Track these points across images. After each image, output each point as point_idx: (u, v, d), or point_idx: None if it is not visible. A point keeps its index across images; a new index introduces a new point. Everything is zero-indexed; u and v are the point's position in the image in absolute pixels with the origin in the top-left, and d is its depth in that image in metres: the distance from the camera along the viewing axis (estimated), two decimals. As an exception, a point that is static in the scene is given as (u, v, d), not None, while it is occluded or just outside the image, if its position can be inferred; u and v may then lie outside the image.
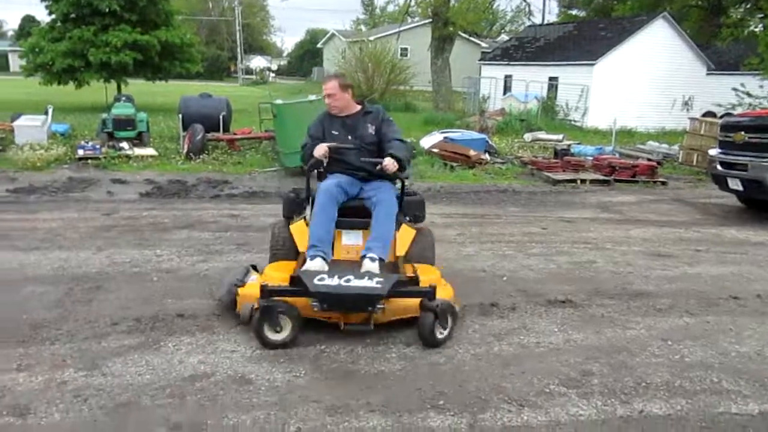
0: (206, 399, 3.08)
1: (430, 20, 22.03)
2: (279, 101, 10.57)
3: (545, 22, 36.64)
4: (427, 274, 3.99)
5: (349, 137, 4.26)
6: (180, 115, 12.30)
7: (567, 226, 7.47)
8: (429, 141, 12.67)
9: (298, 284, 3.62)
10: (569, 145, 13.96)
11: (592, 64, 21.16)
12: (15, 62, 50.27)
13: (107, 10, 17.80)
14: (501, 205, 8.74)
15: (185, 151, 11.26)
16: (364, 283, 3.55)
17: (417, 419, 2.98)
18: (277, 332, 3.63)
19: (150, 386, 3.17)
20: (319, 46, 53.07)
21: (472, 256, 5.89)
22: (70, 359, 3.41)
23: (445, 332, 3.79)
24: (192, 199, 8.35)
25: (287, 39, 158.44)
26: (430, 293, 3.68)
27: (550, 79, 23.00)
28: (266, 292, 3.60)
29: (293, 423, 2.91)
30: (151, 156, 11.18)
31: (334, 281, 3.53)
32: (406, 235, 4.21)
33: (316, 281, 3.53)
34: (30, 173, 9.47)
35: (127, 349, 3.58)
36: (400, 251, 4.16)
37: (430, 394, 3.20)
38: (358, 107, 4.39)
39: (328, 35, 49.89)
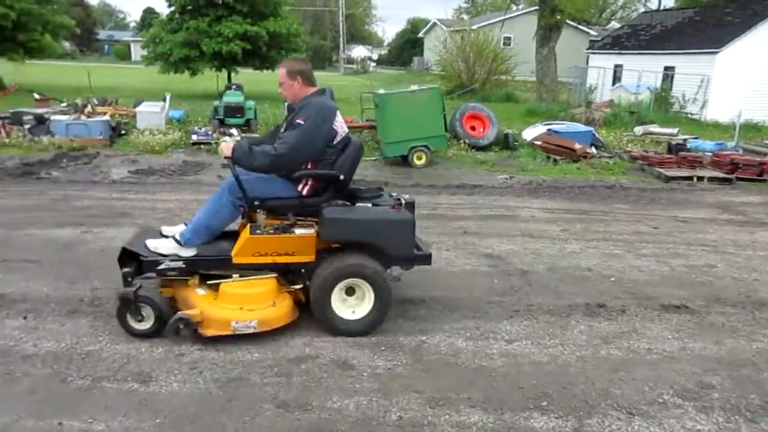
0: (311, 381, 3.17)
1: (536, 8, 21.34)
2: (381, 91, 10.64)
3: (662, 7, 34.46)
4: None
5: (282, 129, 3.90)
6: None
7: (681, 226, 7.01)
8: (531, 133, 12.32)
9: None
10: (685, 140, 13.07)
11: (715, 53, 19.64)
12: (136, 52, 53.95)
13: (221, 1, 18.64)
14: (607, 201, 8.35)
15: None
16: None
17: (519, 418, 2.91)
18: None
19: (259, 364, 3.30)
20: (420, 35, 52.98)
21: (577, 254, 5.67)
22: (189, 336, 3.61)
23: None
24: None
25: (388, 29, 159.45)
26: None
27: (666, 68, 21.60)
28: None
29: (394, 411, 2.93)
30: (260, 142, 11.63)
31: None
32: None
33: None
34: (149, 156, 10.12)
35: (237, 327, 3.74)
36: None
37: (533, 394, 3.12)
38: (307, 95, 3.84)
39: (429, 24, 49.67)
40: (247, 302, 3.55)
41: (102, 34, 68.99)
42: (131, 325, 3.55)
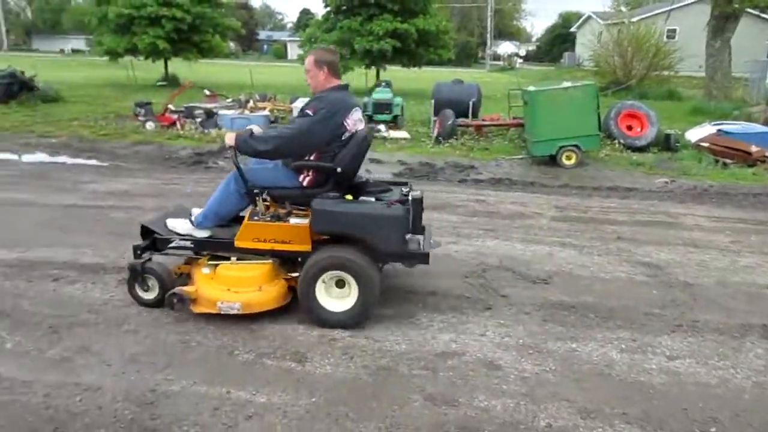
0: (457, 377, 3.17)
1: (709, -4, 19.52)
2: (531, 88, 10.35)
3: None
4: None
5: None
6: (432, 101, 12.80)
7: None
8: (697, 133, 11.31)
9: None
10: None
11: None
12: (292, 51, 57.27)
13: (373, 0, 19.23)
14: (789, 211, 7.45)
15: (435, 135, 11.69)
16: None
17: (683, 442, 2.69)
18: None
19: (406, 355, 3.37)
20: (572, 29, 50.82)
21: (752, 269, 5.11)
22: (338, 319, 3.78)
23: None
24: (440, 182, 8.62)
25: (537, 23, 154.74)
26: None
27: None
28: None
29: (543, 418, 2.84)
30: (404, 138, 11.85)
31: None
32: None
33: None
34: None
35: (386, 318, 3.84)
36: None
37: (699, 417, 2.87)
38: (325, 88, 3.81)
39: (583, 18, 47.48)
40: (234, 284, 3.66)
41: (262, 35, 74.12)
42: (138, 294, 3.86)
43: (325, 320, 3.66)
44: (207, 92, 15.34)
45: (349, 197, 3.74)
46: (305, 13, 59.62)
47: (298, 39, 31.92)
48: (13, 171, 8.39)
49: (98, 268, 4.55)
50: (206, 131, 11.74)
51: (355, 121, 3.82)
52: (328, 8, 20.99)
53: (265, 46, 69.15)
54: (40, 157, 9.60)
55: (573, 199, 7.60)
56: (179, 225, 3.97)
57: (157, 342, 3.42)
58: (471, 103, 12.50)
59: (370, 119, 12.66)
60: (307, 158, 3.74)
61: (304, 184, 3.80)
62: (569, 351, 3.50)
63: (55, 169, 8.66)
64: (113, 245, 5.06)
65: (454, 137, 11.66)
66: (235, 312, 3.61)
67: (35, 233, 5.39)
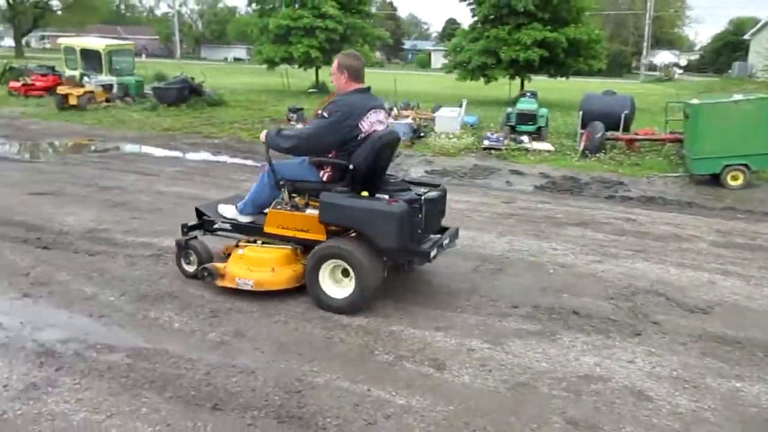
0: (602, 403, 3.01)
1: None
2: (695, 101, 9.60)
3: None
4: None
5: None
6: (580, 112, 12.31)
7: None
8: None
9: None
10: None
11: None
12: (436, 60, 57.85)
13: (523, 9, 18.91)
14: None
15: (581, 148, 11.23)
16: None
17: None
18: None
19: (546, 375, 3.26)
20: (745, 37, 46.34)
21: None
22: (477, 330, 3.76)
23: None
24: (585, 197, 8.26)
25: (702, 30, 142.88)
26: None
27: None
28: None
29: (699, 459, 2.61)
30: (548, 151, 11.51)
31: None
32: None
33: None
34: (443, 158, 10.76)
35: (525, 333, 3.75)
36: None
37: None
38: (346, 91, 4.08)
39: (759, 24, 43.11)
40: (253, 264, 4.06)
41: (407, 44, 75.72)
42: (183, 266, 4.42)
43: (326, 305, 3.91)
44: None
45: (365, 193, 3.91)
46: (451, 23, 59.93)
47: (442, 48, 32.21)
48: (181, 167, 9.28)
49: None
50: (352, 137, 12.19)
51: (372, 123, 4.03)
52: (476, 18, 20.97)
53: (410, 55, 70.60)
54: (204, 155, 10.54)
55: (738, 223, 6.93)
56: (227, 210, 4.48)
57: (304, 334, 3.61)
58: (623, 116, 11.85)
59: (512, 130, 12.45)
60: (327, 156, 4.05)
61: (324, 179, 4.11)
62: (732, 390, 3.19)
63: (216, 167, 9.47)
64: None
65: (602, 151, 11.12)
66: (248, 288, 4.01)
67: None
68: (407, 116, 13.94)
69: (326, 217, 3.92)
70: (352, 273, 3.83)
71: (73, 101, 15.53)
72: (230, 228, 4.43)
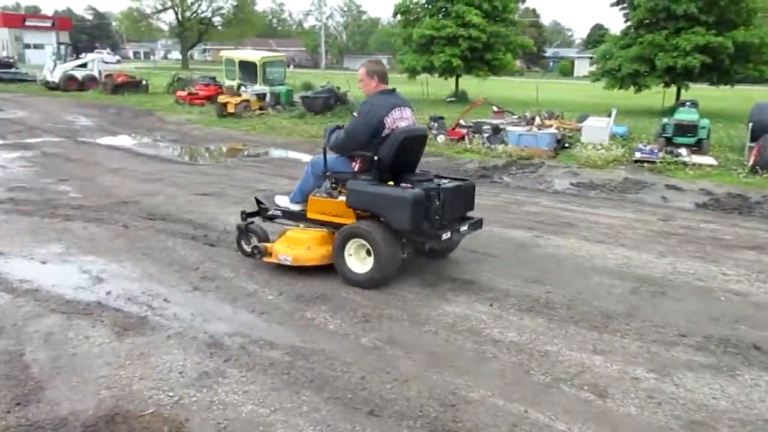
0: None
1: None
2: None
3: None
4: None
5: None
6: (750, 123, 11.16)
7: None
8: None
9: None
10: None
11: None
12: (579, 68, 55.62)
13: (683, 12, 17.56)
14: None
15: (751, 163, 10.16)
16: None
17: None
18: None
19: (727, 415, 2.94)
20: None
21: None
22: (641, 358, 3.49)
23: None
24: (756, 218, 7.45)
25: None
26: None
27: None
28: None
29: None
30: (709, 165, 10.55)
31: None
32: None
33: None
34: (590, 170, 10.24)
35: (698, 365, 3.43)
36: None
37: None
38: (376, 92, 4.63)
39: None
40: (292, 243, 4.67)
41: (549, 52, 73.54)
42: (243, 246, 5.05)
43: (349, 278, 4.48)
44: (495, 108, 15.73)
45: (391, 183, 4.45)
46: (597, 29, 57.33)
47: (587, 55, 30.92)
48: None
49: (400, 269, 4.93)
50: (492, 146, 12.02)
51: (395, 119, 4.53)
52: (629, 23, 19.83)
53: (551, 63, 68.52)
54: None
55: None
56: (281, 200, 5.06)
57: (455, 347, 3.57)
58: (803, 129, 10.56)
59: (668, 142, 11.59)
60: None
61: (355, 169, 4.64)
62: None
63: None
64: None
65: (776, 168, 9.98)
66: (288, 263, 4.61)
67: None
68: (551, 126, 13.48)
69: (351, 202, 4.46)
70: (370, 251, 4.38)
71: (231, 109, 16.80)
72: (281, 214, 5.02)
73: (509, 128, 12.76)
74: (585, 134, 12.49)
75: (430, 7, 23.13)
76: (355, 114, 4.64)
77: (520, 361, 3.41)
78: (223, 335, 3.64)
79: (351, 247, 4.47)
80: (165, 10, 54.35)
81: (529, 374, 3.27)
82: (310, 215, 4.78)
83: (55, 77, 25.11)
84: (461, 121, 13.53)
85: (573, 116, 15.85)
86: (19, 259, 4.97)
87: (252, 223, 5.12)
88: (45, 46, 36.62)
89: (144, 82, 25.18)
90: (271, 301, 4.22)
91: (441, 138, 12.94)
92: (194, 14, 54.62)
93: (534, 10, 65.66)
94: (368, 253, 4.40)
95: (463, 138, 12.73)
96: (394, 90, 4.70)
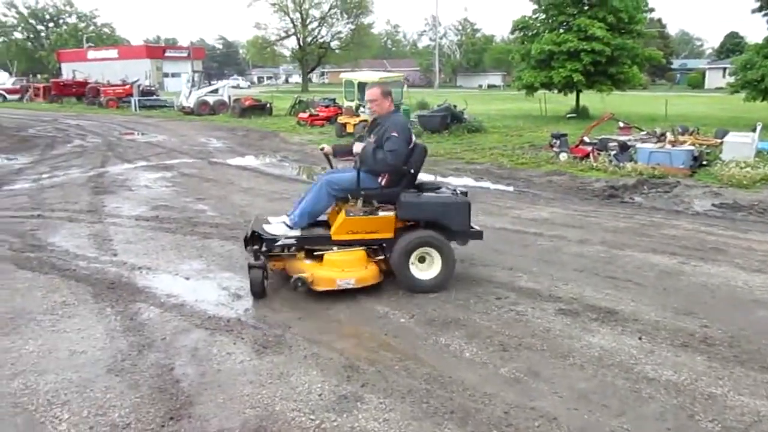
0: None
1: None
2: None
3: None
4: None
5: (369, 138, 4.96)
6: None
7: None
8: None
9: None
10: None
11: None
12: (711, 79, 51.83)
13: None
14: None
15: None
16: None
17: None
18: None
19: None
20: None
21: None
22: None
23: None
24: None
25: None
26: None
27: None
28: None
29: None
30: None
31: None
32: None
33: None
34: (733, 190, 9.38)
35: None
36: None
37: None
38: (391, 111, 4.95)
39: None
40: (347, 266, 4.61)
41: (676, 63, 69.27)
42: (265, 285, 4.65)
43: (416, 286, 4.68)
44: (621, 124, 14.94)
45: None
46: (732, 37, 53.22)
47: (721, 66, 28.61)
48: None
49: (534, 293, 4.72)
50: (621, 164, 11.36)
51: (414, 135, 5.07)
52: (773, 30, 18.17)
53: (679, 75, 64.43)
54: (466, 180, 10.72)
55: None
56: (277, 229, 4.81)
57: (605, 383, 3.31)
58: None
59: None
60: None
61: (382, 184, 4.79)
62: None
63: (480, 193, 9.54)
64: (544, 272, 5.22)
65: None
66: (350, 286, 4.55)
67: (474, 252, 5.92)
68: (685, 142, 12.55)
69: (405, 214, 4.71)
70: (435, 257, 4.72)
71: (350, 129, 17.25)
72: (295, 243, 4.75)
73: (639, 145, 12.04)
74: (727, 150, 11.50)
75: (550, 21, 22.50)
76: (394, 134, 4.70)
77: (682, 403, 3.08)
78: (359, 358, 3.62)
79: (415, 257, 4.69)
80: (288, 36, 57.48)
81: (695, 420, 2.94)
82: (337, 237, 4.72)
83: (190, 102, 27.12)
84: (585, 138, 12.95)
85: (709, 131, 14.70)
86: (166, 274, 5.28)
87: (263, 261, 4.74)
88: (181, 74, 39.88)
89: (268, 105, 26.56)
90: (403, 324, 4.16)
91: (564, 156, 12.45)
92: (314, 39, 57.24)
93: (660, 20, 62.07)
94: (420, 260, 4.75)
95: (588, 155, 12.15)
96: (399, 107, 5.11)
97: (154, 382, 3.33)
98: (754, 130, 12.44)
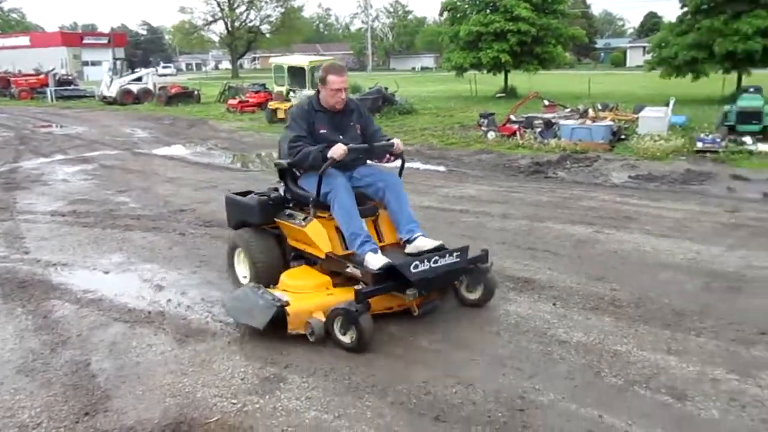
0: None
1: None
2: None
3: None
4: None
5: (340, 136, 4.02)
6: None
7: None
8: None
9: (392, 278, 3.53)
10: None
11: None
12: (632, 58, 54.00)
13: (744, -6, 16.74)
14: None
15: (824, 149, 9.58)
16: (447, 259, 3.61)
17: None
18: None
19: (820, 420, 2.72)
20: None
21: None
22: (719, 358, 3.29)
23: None
24: (832, 208, 7.00)
25: None
26: (485, 256, 3.94)
27: None
28: (362, 295, 3.42)
29: None
30: (778, 153, 10.00)
31: (425, 265, 3.51)
32: None
33: (413, 270, 3.46)
34: (648, 162, 9.85)
35: (777, 363, 3.20)
36: None
37: None
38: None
39: None
40: None
41: (599, 43, 71.65)
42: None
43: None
44: (546, 102, 15.38)
45: None
46: (651, 17, 55.51)
47: (640, 45, 29.85)
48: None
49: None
50: (545, 141, 11.73)
51: None
52: (685, 9, 19.03)
53: (602, 54, 66.74)
54: (396, 162, 10.81)
55: None
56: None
57: (520, 348, 3.45)
58: None
59: (731, 130, 11.03)
60: None
61: None
62: None
63: (410, 173, 9.65)
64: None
65: None
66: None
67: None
68: (605, 118, 13.07)
69: None
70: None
71: (281, 115, 17.00)
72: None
73: (562, 122, 12.44)
74: (642, 125, 12.04)
75: (477, 2, 22.81)
76: (372, 119, 4.37)
77: (590, 362, 3.26)
78: (282, 341, 3.62)
79: None
80: (215, 21, 55.91)
81: (601, 376, 3.11)
82: None
83: (112, 92, 26.03)
84: (512, 117, 13.28)
85: (628, 107, 15.34)
86: (83, 269, 5.10)
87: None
88: (102, 62, 38.15)
89: (196, 93, 25.83)
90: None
91: (492, 134, 12.74)
92: (243, 24, 55.87)
93: (584, 1, 64.02)
94: None
95: (514, 134, 12.48)
96: None
97: (68, 379, 3.23)
98: (667, 105, 13.06)
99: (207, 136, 15.55)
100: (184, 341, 3.66)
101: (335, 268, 3.83)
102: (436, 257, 3.57)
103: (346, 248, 3.85)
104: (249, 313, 3.61)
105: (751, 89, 12.34)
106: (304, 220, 3.95)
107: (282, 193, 4.29)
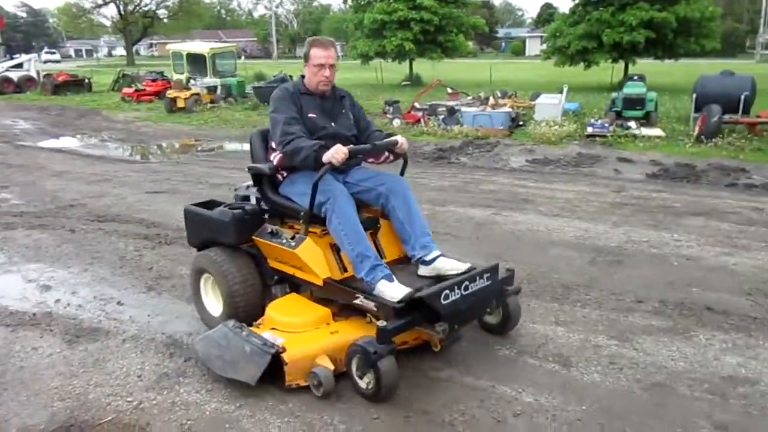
0: (752, 407, 2.74)
1: None
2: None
3: None
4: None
5: (332, 124, 3.40)
6: (694, 95, 11.47)
7: None
8: None
9: (419, 312, 2.83)
10: None
11: None
12: (530, 47, 56.28)
13: (628, -12, 17.90)
14: None
15: (696, 133, 10.45)
16: (478, 283, 2.95)
17: None
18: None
19: (685, 375, 3.01)
20: None
21: None
22: (601, 326, 3.55)
23: None
24: (703, 186, 7.67)
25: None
26: (511, 276, 3.39)
27: None
28: (386, 333, 2.72)
29: None
30: (658, 137, 10.81)
31: (456, 294, 2.84)
32: None
33: (443, 301, 2.79)
34: (544, 147, 10.36)
35: (655, 329, 3.50)
36: None
37: None
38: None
39: None
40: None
41: (501, 32, 74.13)
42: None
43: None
44: (449, 90, 15.77)
45: None
46: (547, 8, 57.99)
47: (538, 35, 31.26)
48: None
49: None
50: (448, 128, 12.05)
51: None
52: (576, 1, 20.10)
53: (503, 44, 69.13)
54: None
55: None
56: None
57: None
58: (743, 98, 10.90)
59: (618, 116, 11.82)
60: None
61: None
62: None
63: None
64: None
65: (719, 136, 10.29)
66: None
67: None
68: (505, 105, 13.59)
69: None
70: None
71: (180, 104, 16.39)
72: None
73: (464, 109, 12.81)
74: (538, 112, 12.63)
75: (381, -10, 23.00)
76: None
77: (484, 337, 3.41)
78: (183, 334, 3.53)
79: None
80: (106, 4, 52.56)
81: (494, 350, 3.27)
82: None
83: (-11, 80, 24.03)
84: (416, 104, 13.52)
85: (526, 95, 16.01)
86: (-40, 270, 4.72)
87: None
88: (-23, 48, 34.99)
89: (87, 81, 24.30)
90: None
91: (397, 122, 12.92)
92: (137, 7, 52.90)
93: (485, -9, 65.99)
94: None
95: (419, 121, 12.72)
96: None
97: (-58, 388, 3.00)
98: (561, 93, 13.75)
99: (100, 127, 14.71)
100: (74, 342, 3.48)
101: (337, 298, 3.13)
102: (467, 282, 2.93)
103: (343, 269, 3.19)
104: (233, 363, 2.88)
105: (636, 77, 13.22)
106: (292, 239, 3.18)
107: (255, 203, 3.58)
